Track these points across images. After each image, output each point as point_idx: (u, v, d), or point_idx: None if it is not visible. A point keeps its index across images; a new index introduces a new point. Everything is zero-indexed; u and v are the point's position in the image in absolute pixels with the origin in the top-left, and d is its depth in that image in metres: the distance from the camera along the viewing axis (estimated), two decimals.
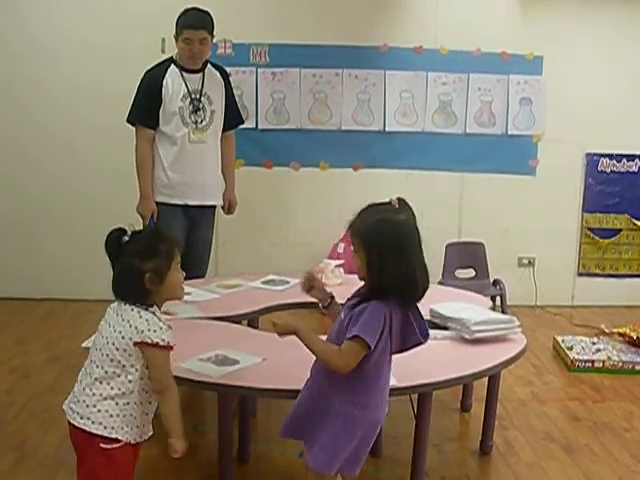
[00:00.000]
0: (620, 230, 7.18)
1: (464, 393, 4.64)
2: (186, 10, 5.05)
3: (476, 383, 4.38)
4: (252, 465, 3.88)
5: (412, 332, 2.78)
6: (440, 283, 6.00)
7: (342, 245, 6.31)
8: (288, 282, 4.72)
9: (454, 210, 7.04)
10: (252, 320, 4.53)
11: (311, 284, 3.04)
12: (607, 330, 6.07)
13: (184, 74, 5.08)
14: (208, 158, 5.24)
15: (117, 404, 2.60)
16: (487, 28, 6.76)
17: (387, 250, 2.69)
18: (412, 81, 6.82)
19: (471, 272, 6.56)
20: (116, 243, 2.62)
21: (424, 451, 3.51)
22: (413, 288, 2.76)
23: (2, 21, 6.54)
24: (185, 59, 5.06)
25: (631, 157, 7.09)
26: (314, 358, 2.82)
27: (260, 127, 6.75)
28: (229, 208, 5.50)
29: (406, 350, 2.82)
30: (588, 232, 7.17)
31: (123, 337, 2.57)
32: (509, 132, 6.94)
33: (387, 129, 6.85)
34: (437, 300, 4.11)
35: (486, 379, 3.93)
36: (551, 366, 5.53)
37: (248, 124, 6.34)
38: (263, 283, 4.73)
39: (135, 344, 2.56)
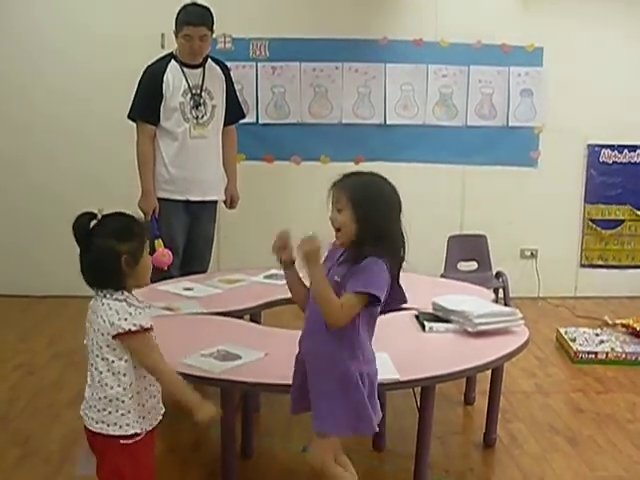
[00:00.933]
0: (622, 221, 7.18)
1: (467, 386, 4.64)
2: (185, 6, 5.03)
3: (479, 376, 4.39)
4: (255, 460, 3.88)
5: (398, 291, 2.82)
6: (442, 276, 6.00)
7: None
8: None
9: (456, 203, 7.03)
10: (254, 315, 4.53)
11: (284, 242, 2.98)
12: (610, 321, 6.07)
13: (184, 69, 5.04)
14: (209, 153, 5.20)
15: (124, 402, 2.60)
16: (487, 20, 6.75)
17: (380, 204, 2.75)
18: (412, 74, 6.81)
19: (473, 265, 6.55)
20: (86, 227, 2.57)
21: (428, 444, 3.51)
22: (401, 244, 2.80)
23: None
24: (185, 55, 5.01)
25: (633, 148, 7.08)
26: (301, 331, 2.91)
27: (261, 121, 6.75)
28: (231, 203, 5.49)
29: (388, 312, 2.91)
30: (590, 223, 7.16)
31: (102, 334, 2.55)
32: (510, 124, 6.93)
33: (388, 122, 6.84)
34: (439, 293, 4.12)
35: (489, 372, 3.93)
36: (554, 358, 5.53)
37: (249, 119, 6.33)
38: (265, 278, 4.72)
39: (113, 337, 2.54)
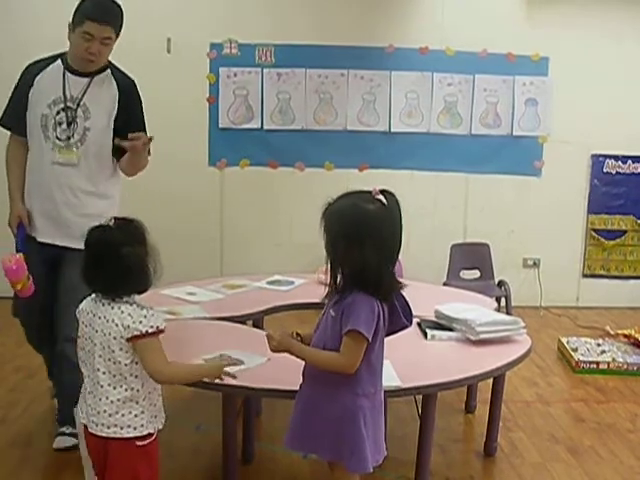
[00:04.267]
0: (625, 231, 7.18)
1: (469, 394, 4.64)
2: None
3: (481, 384, 4.38)
4: (256, 465, 3.88)
5: (398, 316, 2.76)
6: (445, 284, 6.01)
7: None
8: (293, 282, 4.73)
9: (459, 211, 7.04)
10: (257, 320, 4.52)
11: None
12: (612, 332, 6.07)
13: (67, 74, 3.88)
14: (75, 187, 3.90)
15: (137, 402, 2.63)
16: (493, 29, 6.77)
17: (346, 237, 2.65)
18: (418, 82, 6.82)
19: (476, 273, 6.56)
20: (117, 239, 2.60)
21: (429, 452, 3.51)
22: (375, 281, 2.66)
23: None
24: (77, 58, 3.84)
25: (637, 158, 7.08)
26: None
27: (265, 127, 6.73)
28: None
29: (392, 334, 2.82)
30: (593, 233, 7.16)
31: (115, 338, 2.56)
32: (514, 133, 6.94)
33: (392, 130, 6.85)
34: (442, 301, 4.11)
35: (491, 380, 3.92)
36: (556, 367, 5.53)
37: (253, 124, 6.35)
38: (268, 283, 4.73)
39: (128, 340, 2.56)
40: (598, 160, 7.07)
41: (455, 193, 7.00)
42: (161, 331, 2.61)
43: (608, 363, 5.38)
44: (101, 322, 2.59)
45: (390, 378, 3.16)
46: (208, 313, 4.05)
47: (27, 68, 3.98)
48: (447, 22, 6.74)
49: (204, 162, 6.74)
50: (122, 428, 2.60)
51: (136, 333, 2.54)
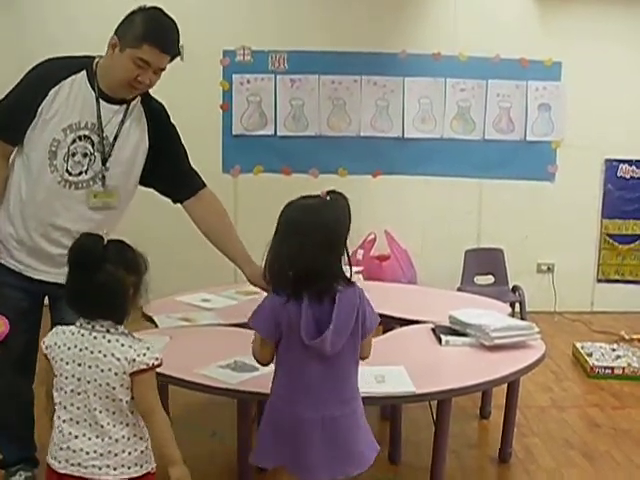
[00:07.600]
0: (639, 236, 7.15)
1: (483, 400, 4.63)
2: (155, 14, 3.32)
3: (495, 390, 4.37)
4: (271, 473, 3.86)
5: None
6: (459, 289, 6.01)
7: (361, 252, 6.32)
8: None
9: (473, 216, 7.03)
10: None
11: None
12: (627, 336, 6.06)
13: (101, 102, 3.18)
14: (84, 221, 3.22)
15: (141, 438, 2.44)
16: (506, 34, 6.77)
17: (280, 232, 2.77)
18: (431, 87, 6.83)
19: (490, 278, 6.56)
20: (101, 251, 2.35)
21: (443, 458, 3.50)
22: (299, 273, 2.72)
23: (20, 20, 6.60)
24: (118, 84, 3.16)
25: None
26: None
27: (279, 134, 6.75)
28: None
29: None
30: (607, 238, 7.14)
31: (116, 374, 2.34)
32: (528, 138, 6.94)
33: (406, 135, 6.86)
34: (456, 306, 4.10)
35: (505, 386, 3.92)
36: (570, 373, 5.52)
37: (267, 131, 6.36)
38: None
39: (130, 375, 2.34)
40: (612, 165, 7.06)
41: (469, 198, 7.00)
42: (160, 364, 2.40)
43: (623, 368, 5.36)
44: (94, 357, 2.35)
45: (404, 384, 3.16)
46: (222, 319, 4.05)
47: (39, 70, 3.20)
48: (460, 28, 6.74)
49: (218, 169, 6.76)
50: (129, 468, 2.40)
51: (142, 367, 2.34)
